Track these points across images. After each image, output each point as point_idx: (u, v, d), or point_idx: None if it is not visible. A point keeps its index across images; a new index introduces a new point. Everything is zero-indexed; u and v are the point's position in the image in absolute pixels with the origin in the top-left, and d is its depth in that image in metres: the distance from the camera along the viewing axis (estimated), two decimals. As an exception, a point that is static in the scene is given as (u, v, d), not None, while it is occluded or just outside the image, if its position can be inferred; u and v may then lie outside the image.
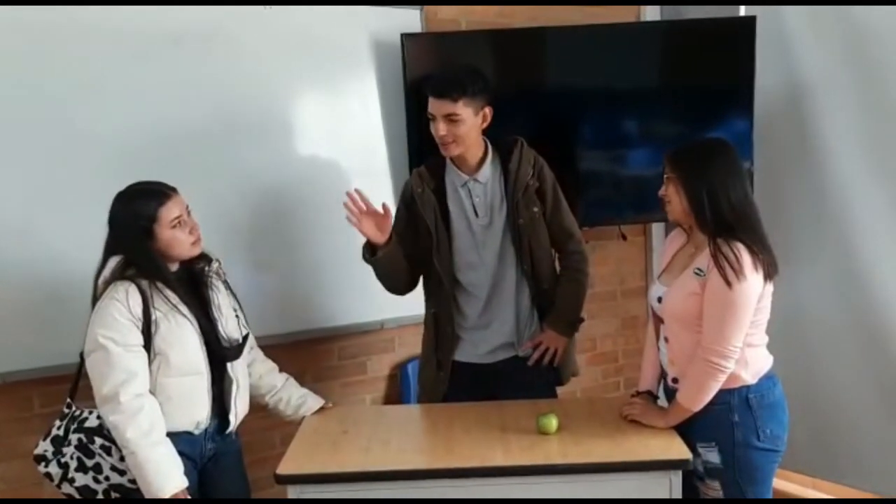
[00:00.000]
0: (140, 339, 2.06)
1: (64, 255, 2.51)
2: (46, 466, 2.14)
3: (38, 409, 2.63)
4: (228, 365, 2.21)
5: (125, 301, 2.04)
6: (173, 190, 2.15)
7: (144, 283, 2.08)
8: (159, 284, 2.10)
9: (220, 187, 2.79)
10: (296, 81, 2.97)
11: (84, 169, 2.56)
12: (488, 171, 2.49)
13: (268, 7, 2.83)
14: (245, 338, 2.28)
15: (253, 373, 2.38)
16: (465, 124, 2.36)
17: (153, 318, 2.07)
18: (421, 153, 2.55)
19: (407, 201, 2.54)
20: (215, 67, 2.78)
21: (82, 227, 2.43)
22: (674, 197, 2.12)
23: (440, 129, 2.37)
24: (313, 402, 2.44)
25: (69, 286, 2.32)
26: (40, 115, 2.52)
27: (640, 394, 2.32)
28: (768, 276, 2.05)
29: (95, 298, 2.10)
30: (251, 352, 2.39)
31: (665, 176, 2.13)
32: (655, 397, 2.31)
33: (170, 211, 2.11)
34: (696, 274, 2.05)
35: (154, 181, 2.16)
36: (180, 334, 2.10)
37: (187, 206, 2.17)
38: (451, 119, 2.36)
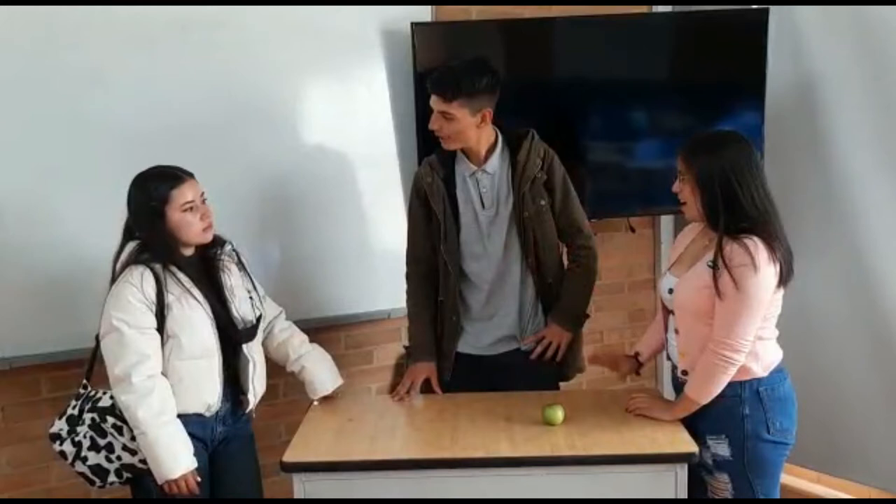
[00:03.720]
0: (153, 322, 2.09)
1: (71, 240, 2.52)
2: (61, 445, 2.17)
3: (45, 393, 2.64)
4: (244, 346, 2.22)
5: (139, 284, 2.07)
6: (189, 175, 2.18)
7: (158, 268, 2.11)
8: (173, 268, 2.13)
9: (227, 175, 2.78)
10: (304, 70, 2.96)
11: (93, 156, 2.57)
12: (496, 163, 2.48)
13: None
14: (259, 319, 2.29)
15: (269, 345, 2.42)
16: (459, 123, 2.35)
17: (166, 301, 2.09)
18: (429, 143, 2.55)
19: (421, 196, 2.53)
20: (223, 56, 2.78)
21: (90, 213, 2.44)
22: (689, 197, 2.08)
23: (433, 123, 2.38)
24: (320, 385, 2.42)
25: (77, 271, 2.33)
26: (50, 102, 2.52)
27: (633, 357, 2.35)
28: (783, 279, 2.02)
29: (113, 282, 2.13)
30: (269, 325, 2.42)
31: (679, 176, 2.10)
32: (640, 364, 2.34)
33: (182, 194, 2.13)
34: (710, 266, 2.03)
35: (172, 165, 2.18)
36: (192, 317, 2.13)
37: (203, 193, 2.19)
38: (444, 116, 2.35)
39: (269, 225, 2.94)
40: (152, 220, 2.12)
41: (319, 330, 3.00)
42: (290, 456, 2.07)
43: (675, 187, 2.12)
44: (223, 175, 2.75)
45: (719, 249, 1.99)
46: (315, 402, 2.43)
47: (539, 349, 2.54)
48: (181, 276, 2.13)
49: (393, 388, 2.62)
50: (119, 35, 2.60)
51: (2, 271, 2.49)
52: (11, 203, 2.49)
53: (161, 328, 2.10)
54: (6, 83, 2.45)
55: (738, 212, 1.99)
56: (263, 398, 2.39)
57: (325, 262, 3.03)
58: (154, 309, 2.08)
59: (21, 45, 2.47)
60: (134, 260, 2.12)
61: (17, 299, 2.51)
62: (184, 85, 2.71)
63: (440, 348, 2.57)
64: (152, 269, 2.10)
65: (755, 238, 1.98)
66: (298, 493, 2.04)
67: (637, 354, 2.37)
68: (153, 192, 2.12)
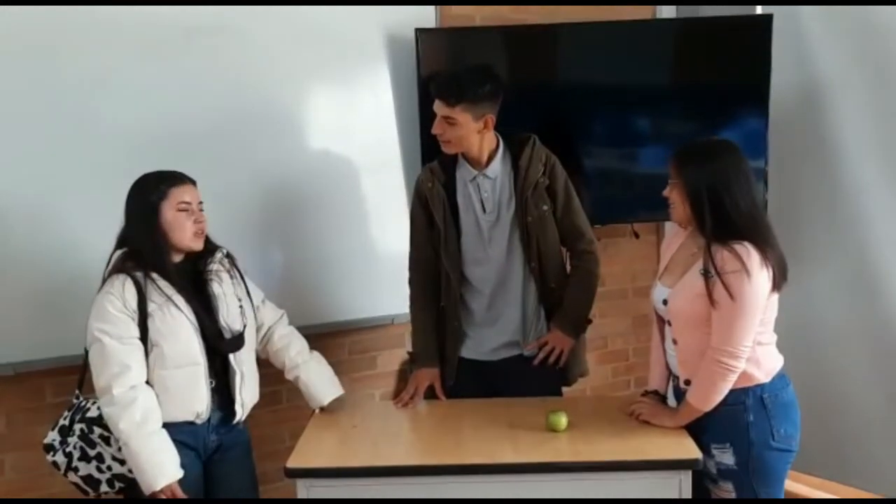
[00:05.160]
0: (135, 332, 2.07)
1: (76, 246, 2.52)
2: (54, 456, 2.17)
3: (49, 398, 2.64)
4: (231, 356, 2.20)
5: (120, 294, 2.06)
6: (191, 180, 2.18)
7: (140, 276, 2.09)
8: (154, 276, 2.10)
9: (231, 181, 2.79)
10: (309, 76, 2.96)
11: (97, 162, 2.57)
12: (498, 167, 2.48)
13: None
14: (245, 328, 2.25)
15: (270, 350, 2.42)
16: (461, 128, 2.36)
17: (148, 310, 2.08)
18: (433, 148, 2.55)
19: (423, 202, 2.53)
20: (228, 61, 2.79)
21: (94, 219, 2.45)
22: (677, 201, 2.10)
23: (435, 126, 2.39)
24: (321, 397, 2.40)
25: (82, 277, 2.33)
26: (53, 108, 2.53)
27: (648, 393, 2.31)
28: (776, 284, 2.02)
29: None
30: (269, 330, 2.41)
31: (669, 181, 2.11)
32: (664, 397, 2.30)
33: (180, 193, 2.13)
34: (702, 274, 2.03)
35: (177, 170, 2.19)
36: (174, 326, 2.10)
37: (200, 202, 2.19)
38: (447, 121, 2.36)
39: (273, 230, 2.94)
40: (147, 218, 2.10)
41: (323, 335, 3.00)
42: (293, 462, 2.06)
43: (666, 192, 2.13)
44: (228, 180, 2.77)
45: (710, 257, 2.00)
46: (317, 411, 2.42)
47: (541, 355, 2.53)
48: (163, 283, 2.10)
49: (397, 394, 2.62)
50: (123, 41, 2.61)
51: (6, 277, 2.49)
52: (16, 209, 2.49)
53: (144, 337, 2.08)
54: (10, 89, 2.46)
55: (725, 219, 2.00)
56: (266, 404, 2.39)
57: (329, 268, 3.03)
58: (136, 318, 2.07)
59: (25, 51, 2.47)
60: (118, 269, 2.11)
61: (21, 305, 2.52)
62: (188, 91, 2.72)
63: (443, 354, 2.57)
64: (133, 278, 2.08)
65: (746, 243, 1.98)
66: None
67: (656, 392, 2.32)
68: (152, 188, 2.12)
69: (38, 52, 2.49)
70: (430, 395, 2.53)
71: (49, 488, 2.65)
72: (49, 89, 2.52)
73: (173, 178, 2.15)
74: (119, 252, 2.14)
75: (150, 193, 2.12)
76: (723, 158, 2.04)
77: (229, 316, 2.22)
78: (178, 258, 2.18)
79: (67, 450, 2.15)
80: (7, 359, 2.53)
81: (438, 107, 2.37)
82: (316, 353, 2.48)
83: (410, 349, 2.68)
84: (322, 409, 2.42)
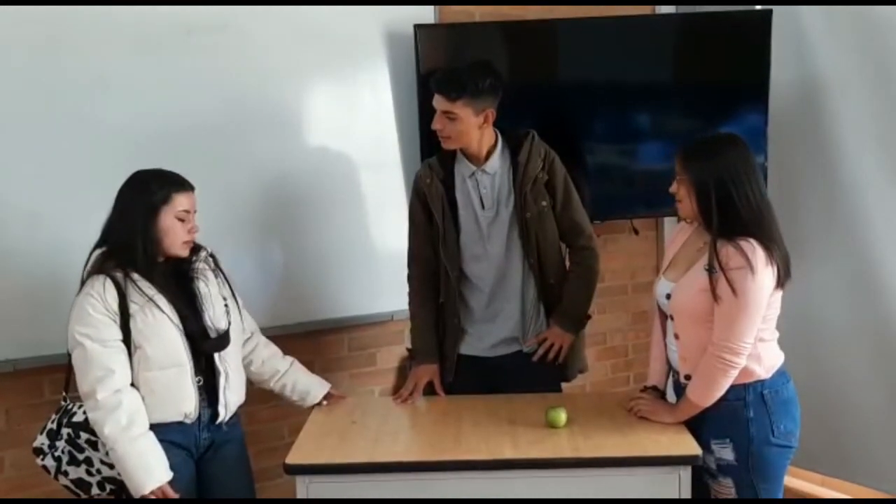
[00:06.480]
0: (118, 334, 2.04)
1: (74, 244, 2.49)
2: (43, 459, 2.15)
3: (48, 395, 2.64)
4: (216, 355, 2.17)
5: (101, 296, 2.03)
6: (192, 187, 2.15)
7: (119, 276, 2.06)
8: (135, 276, 2.06)
9: (231, 178, 2.79)
10: (308, 73, 2.96)
11: (94, 160, 2.57)
12: (497, 163, 2.48)
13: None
14: (230, 327, 2.22)
15: (255, 359, 2.37)
16: (462, 123, 2.36)
17: (130, 311, 2.05)
18: (432, 146, 2.55)
19: (421, 198, 2.53)
20: (227, 59, 2.78)
21: (92, 217, 2.43)
22: (684, 197, 2.09)
23: (436, 122, 2.39)
24: (318, 390, 2.41)
25: (78, 275, 2.33)
26: (52, 107, 2.52)
27: (647, 389, 2.31)
28: (780, 282, 2.02)
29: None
30: (252, 338, 2.38)
31: (676, 176, 2.11)
32: (663, 393, 2.30)
33: (183, 201, 2.11)
34: (706, 270, 2.03)
35: (177, 173, 2.16)
36: (156, 327, 2.07)
37: (196, 210, 2.17)
38: (447, 116, 2.36)
39: (272, 228, 2.94)
40: (145, 218, 2.06)
41: (322, 332, 3.01)
42: (293, 458, 2.06)
43: (672, 188, 2.13)
44: (227, 178, 2.77)
45: (714, 252, 1.99)
46: (324, 402, 2.42)
47: (541, 351, 2.53)
48: (143, 284, 2.06)
49: (396, 391, 2.62)
50: (123, 39, 2.61)
51: (5, 274, 2.49)
52: (16, 207, 2.49)
53: (127, 339, 2.05)
54: (10, 88, 2.46)
55: (733, 214, 1.99)
56: (265, 400, 2.38)
57: (328, 265, 3.03)
58: (118, 320, 2.03)
59: (24, 50, 2.47)
60: (97, 269, 2.07)
61: (20, 302, 2.51)
62: (188, 89, 2.72)
63: (442, 350, 2.57)
64: (113, 279, 2.05)
65: (752, 240, 1.97)
66: (301, 496, 2.04)
67: (655, 387, 2.31)
68: (156, 189, 2.08)
69: (37, 51, 2.49)
70: (430, 391, 2.53)
71: (49, 485, 2.62)
72: (49, 89, 2.51)
73: (178, 183, 2.11)
74: (98, 252, 2.11)
75: (152, 194, 2.08)
76: (730, 153, 2.04)
77: (215, 315, 2.19)
78: (160, 259, 2.14)
79: (56, 454, 2.13)
80: (6, 355, 2.53)
81: (438, 102, 2.37)
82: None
83: (410, 345, 2.68)
84: (318, 404, 2.42)
